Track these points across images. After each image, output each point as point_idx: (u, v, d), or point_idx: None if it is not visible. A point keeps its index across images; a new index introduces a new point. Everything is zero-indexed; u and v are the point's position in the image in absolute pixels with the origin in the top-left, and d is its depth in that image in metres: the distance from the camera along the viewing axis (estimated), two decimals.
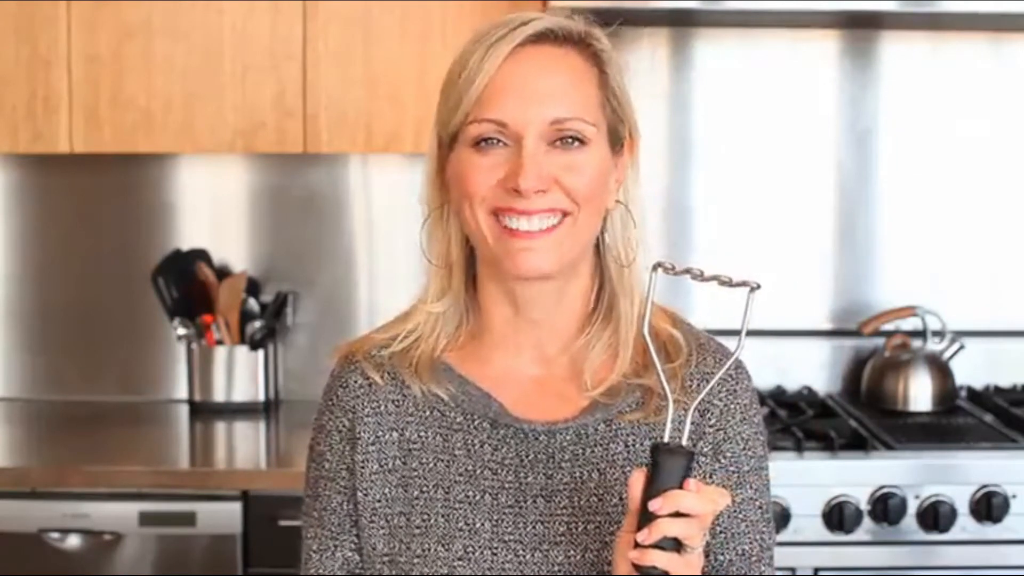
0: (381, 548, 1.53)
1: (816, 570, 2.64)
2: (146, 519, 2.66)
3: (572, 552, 1.50)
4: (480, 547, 1.50)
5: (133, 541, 2.66)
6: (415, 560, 1.51)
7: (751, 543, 1.54)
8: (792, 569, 2.62)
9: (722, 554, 1.53)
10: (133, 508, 2.66)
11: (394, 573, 1.52)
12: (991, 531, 2.65)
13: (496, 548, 1.50)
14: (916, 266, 3.21)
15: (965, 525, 2.64)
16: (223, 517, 2.65)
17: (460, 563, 1.50)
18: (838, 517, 2.60)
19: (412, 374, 1.56)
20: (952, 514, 2.62)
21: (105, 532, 2.67)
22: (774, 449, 2.60)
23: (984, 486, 2.63)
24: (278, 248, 3.23)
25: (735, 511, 1.53)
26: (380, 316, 1.82)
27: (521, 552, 1.50)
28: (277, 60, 2.88)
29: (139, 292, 3.15)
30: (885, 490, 2.62)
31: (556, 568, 1.50)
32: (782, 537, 2.57)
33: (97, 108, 2.88)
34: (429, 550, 1.51)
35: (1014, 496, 2.63)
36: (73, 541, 2.67)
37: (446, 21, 2.86)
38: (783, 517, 2.59)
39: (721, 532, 1.53)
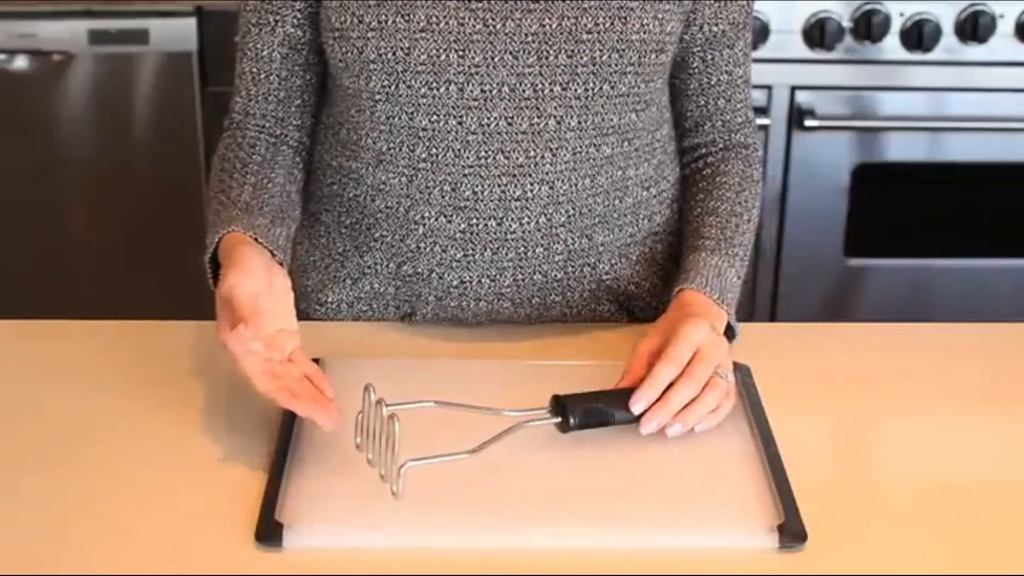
0: (333, 22, 1.43)
1: (793, 88, 2.57)
2: (96, 37, 2.55)
3: (547, 21, 1.40)
4: (446, 16, 1.39)
5: (84, 61, 2.56)
6: (369, 34, 1.40)
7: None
8: (769, 86, 2.55)
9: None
10: (82, 26, 2.55)
11: (344, 50, 1.43)
12: (975, 52, 2.57)
13: (463, 17, 1.40)
14: None
15: (949, 45, 2.55)
16: (177, 33, 2.54)
17: (422, 34, 1.39)
18: (819, 33, 2.52)
19: None
20: (936, 33, 2.54)
21: (54, 52, 2.56)
22: None
23: (971, 4, 2.53)
24: None
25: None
26: None
27: (491, 21, 1.40)
28: None
29: None
30: (869, 6, 2.52)
31: (528, 39, 1.40)
32: (760, 53, 2.50)
33: None
34: (386, 21, 1.40)
35: (1002, 16, 2.54)
36: (20, 63, 2.57)
37: None
38: (762, 32, 2.50)
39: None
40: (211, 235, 1.36)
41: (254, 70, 1.50)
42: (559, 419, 1.23)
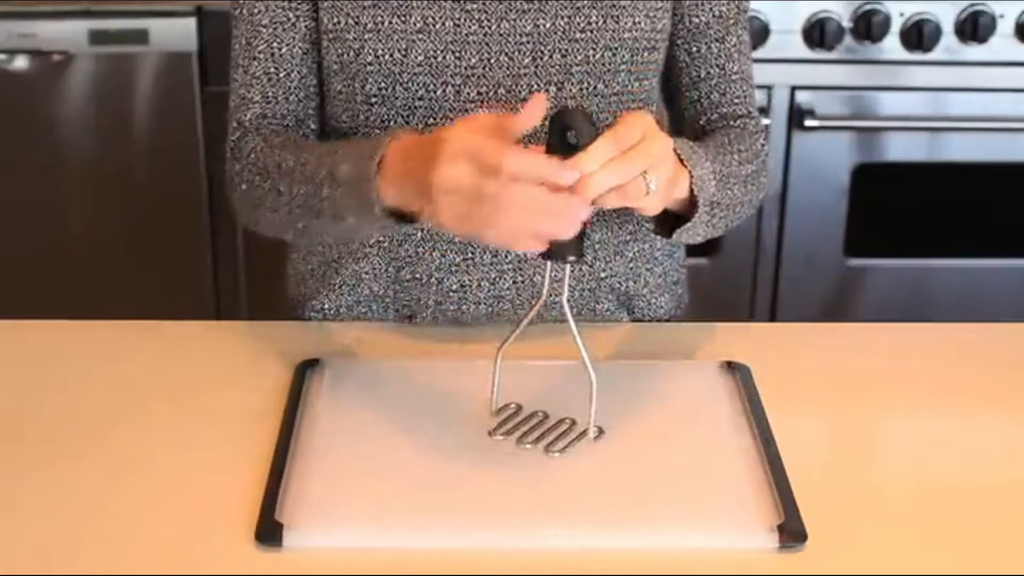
0: (327, 23, 1.42)
1: (793, 88, 2.57)
2: (96, 37, 2.55)
3: (541, 22, 1.40)
4: (442, 17, 1.40)
5: (84, 61, 2.56)
6: (366, 36, 1.40)
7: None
8: (769, 86, 2.54)
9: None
10: (82, 26, 2.54)
11: (339, 52, 1.42)
12: (975, 52, 2.57)
13: (459, 18, 1.40)
14: None
15: (949, 45, 2.55)
16: (177, 33, 2.54)
17: (419, 36, 1.39)
18: (819, 33, 2.52)
19: None
20: (936, 33, 2.53)
21: (54, 52, 2.55)
22: None
23: (971, 4, 2.52)
24: None
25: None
26: None
27: (487, 22, 1.40)
28: None
29: None
30: (869, 6, 2.52)
31: (523, 38, 1.40)
32: (760, 54, 2.49)
33: None
34: (383, 23, 1.40)
35: (1002, 16, 2.54)
36: (20, 63, 2.57)
37: None
38: (762, 32, 2.50)
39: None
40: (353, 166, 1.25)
41: (271, 70, 1.45)
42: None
